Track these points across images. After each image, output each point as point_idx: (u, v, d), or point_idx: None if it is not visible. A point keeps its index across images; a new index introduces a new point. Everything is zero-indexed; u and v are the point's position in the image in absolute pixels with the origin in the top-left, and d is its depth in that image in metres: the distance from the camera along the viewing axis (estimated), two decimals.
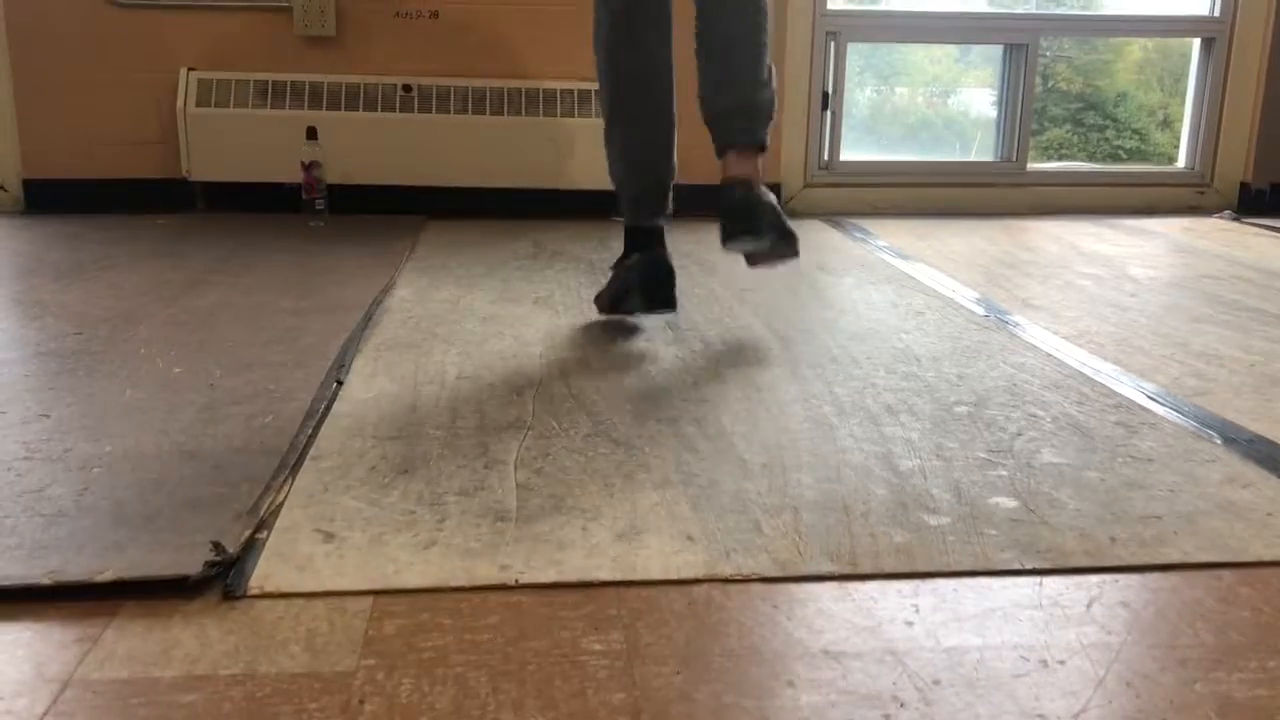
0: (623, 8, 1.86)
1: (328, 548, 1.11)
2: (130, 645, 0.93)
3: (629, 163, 1.94)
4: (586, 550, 1.11)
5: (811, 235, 2.95)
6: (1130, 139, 4.23)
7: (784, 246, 1.86)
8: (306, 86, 3.11)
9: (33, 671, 0.89)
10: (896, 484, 1.29)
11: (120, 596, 1.01)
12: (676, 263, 1.99)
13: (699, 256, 2.61)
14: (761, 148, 1.83)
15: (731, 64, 1.82)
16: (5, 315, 2.01)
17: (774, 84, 1.86)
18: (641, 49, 1.87)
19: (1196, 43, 3.58)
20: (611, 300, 1.99)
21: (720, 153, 1.84)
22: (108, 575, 1.03)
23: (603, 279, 2.26)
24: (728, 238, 1.83)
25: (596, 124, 3.13)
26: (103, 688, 0.87)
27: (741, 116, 1.83)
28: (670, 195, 1.95)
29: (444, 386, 1.64)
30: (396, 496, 1.23)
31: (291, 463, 1.32)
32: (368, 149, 3.10)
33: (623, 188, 1.96)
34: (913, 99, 4.07)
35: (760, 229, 1.80)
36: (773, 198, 1.85)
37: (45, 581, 1.02)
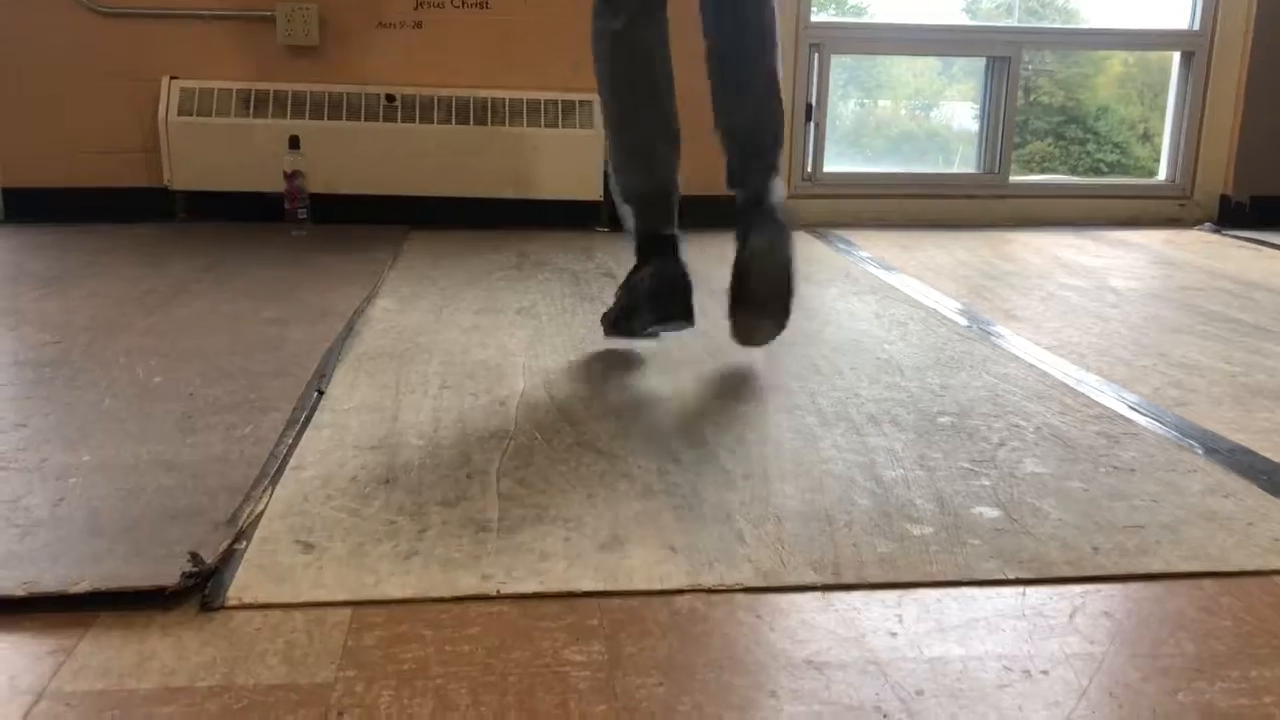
0: (624, 23, 1.77)
1: (307, 558, 1.09)
2: (106, 657, 0.92)
3: (636, 167, 1.82)
4: (569, 560, 1.10)
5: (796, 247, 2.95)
6: (1111, 152, 4.26)
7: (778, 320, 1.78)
8: (289, 96, 3.10)
9: (6, 683, 0.88)
10: (880, 494, 1.29)
11: (96, 607, 0.99)
12: None
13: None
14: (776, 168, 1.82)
15: (747, 96, 1.78)
16: None
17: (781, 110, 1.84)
18: (644, 55, 1.79)
19: (1176, 56, 3.60)
20: (617, 317, 1.86)
21: (740, 182, 1.79)
22: (83, 586, 1.01)
23: (586, 288, 2.25)
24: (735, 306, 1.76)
25: (580, 134, 3.14)
26: (77, 700, 0.86)
27: (762, 143, 1.79)
28: (677, 207, 1.84)
29: (426, 396, 1.63)
30: (377, 507, 1.23)
31: (271, 473, 1.31)
32: (350, 158, 3.09)
33: (631, 194, 1.84)
34: (896, 112, 4.09)
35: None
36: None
37: (19, 592, 1.00)
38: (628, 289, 1.86)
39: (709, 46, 1.81)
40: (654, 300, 1.78)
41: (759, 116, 1.80)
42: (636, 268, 1.86)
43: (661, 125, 1.81)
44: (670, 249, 1.81)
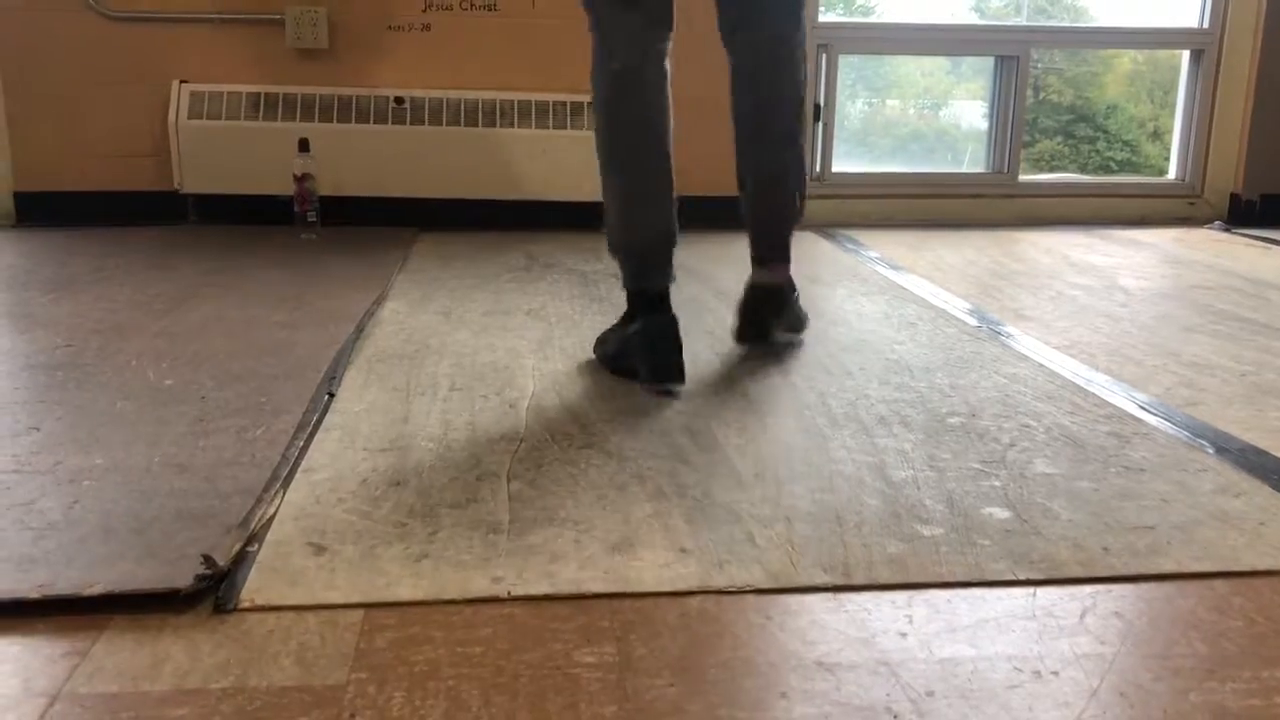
0: (623, 63, 1.72)
1: (319, 560, 1.10)
2: (120, 659, 0.93)
3: (633, 216, 1.77)
4: (579, 562, 1.10)
5: (804, 247, 2.95)
6: (1121, 150, 4.25)
7: (792, 334, 2.00)
8: (298, 99, 3.11)
9: (21, 686, 0.89)
10: (890, 495, 1.29)
11: (110, 610, 1.00)
12: None
13: (690, 266, 2.61)
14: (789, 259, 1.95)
15: (775, 161, 1.89)
16: None
17: (805, 155, 1.93)
18: (645, 98, 1.73)
19: (1186, 55, 3.59)
20: (614, 362, 1.80)
21: (757, 260, 1.93)
22: (97, 588, 1.02)
23: (594, 290, 2.25)
24: (742, 338, 1.94)
25: (588, 136, 3.13)
26: (92, 702, 0.87)
27: (781, 234, 1.92)
28: (673, 259, 1.78)
29: (436, 398, 1.64)
30: (388, 509, 1.23)
31: (283, 475, 1.32)
32: (360, 161, 3.10)
33: (626, 246, 1.79)
34: (904, 111, 4.08)
35: (771, 332, 1.94)
36: (795, 296, 1.98)
37: (34, 595, 1.01)
38: (622, 338, 1.80)
39: (735, 96, 1.89)
40: (650, 363, 1.72)
41: (787, 217, 1.92)
42: (628, 318, 1.81)
43: (661, 170, 1.75)
44: (663, 303, 1.76)
